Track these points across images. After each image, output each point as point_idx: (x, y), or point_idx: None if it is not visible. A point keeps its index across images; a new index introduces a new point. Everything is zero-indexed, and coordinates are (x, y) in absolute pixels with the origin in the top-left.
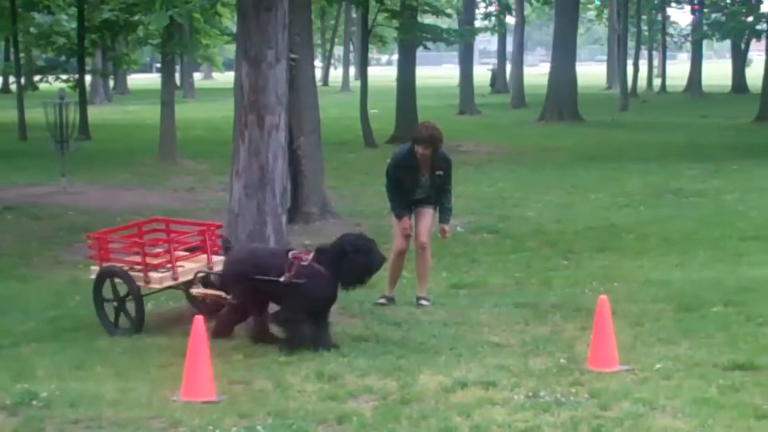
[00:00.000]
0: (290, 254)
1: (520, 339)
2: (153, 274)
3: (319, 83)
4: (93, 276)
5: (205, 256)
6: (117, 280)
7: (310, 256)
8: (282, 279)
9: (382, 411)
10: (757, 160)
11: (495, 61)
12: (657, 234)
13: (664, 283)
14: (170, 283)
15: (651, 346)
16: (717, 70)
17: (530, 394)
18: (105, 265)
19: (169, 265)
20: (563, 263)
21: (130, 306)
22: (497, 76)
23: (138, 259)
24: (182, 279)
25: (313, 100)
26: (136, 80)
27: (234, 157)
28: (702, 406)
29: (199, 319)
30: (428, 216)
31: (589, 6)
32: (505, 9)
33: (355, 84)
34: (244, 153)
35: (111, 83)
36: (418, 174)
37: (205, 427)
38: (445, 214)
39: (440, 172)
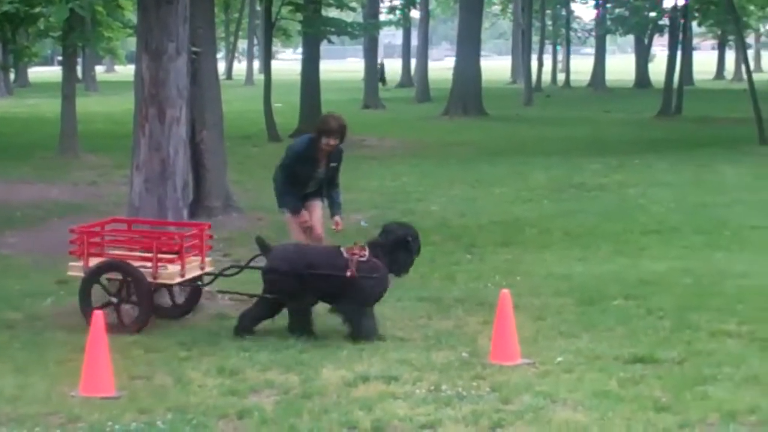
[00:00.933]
0: (344, 251)
1: (423, 333)
2: (164, 270)
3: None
4: (75, 272)
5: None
6: (115, 275)
7: (367, 252)
8: (347, 275)
9: (284, 405)
10: (658, 154)
11: (386, 56)
12: (560, 228)
13: (566, 277)
14: (179, 279)
15: (553, 339)
16: (621, 65)
17: (432, 388)
18: (105, 259)
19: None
20: (467, 257)
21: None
22: (384, 70)
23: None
24: (188, 276)
25: (215, 93)
26: (37, 73)
27: (134, 150)
28: (602, 399)
29: (98, 314)
30: (319, 208)
31: (494, 0)
32: (409, 3)
33: (259, 77)
34: (145, 146)
35: (11, 76)
36: (316, 166)
37: (105, 423)
38: (336, 208)
39: (334, 164)
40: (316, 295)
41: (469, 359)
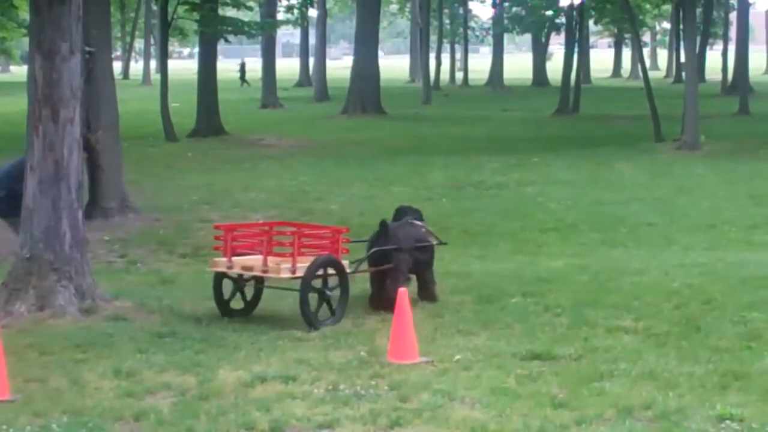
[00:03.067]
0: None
1: (321, 332)
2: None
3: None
4: (219, 267)
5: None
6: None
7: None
8: (435, 243)
9: (181, 407)
10: (556, 152)
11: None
12: (458, 226)
13: (464, 275)
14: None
15: (451, 337)
16: (518, 64)
17: (330, 387)
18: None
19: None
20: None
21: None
22: (244, 70)
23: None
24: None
25: (111, 93)
26: None
27: (28, 151)
28: (500, 396)
29: None
30: None
31: None
32: (307, 2)
33: (156, 77)
34: (39, 147)
35: None
36: None
37: None
38: None
39: None
40: (417, 266)
41: (367, 358)
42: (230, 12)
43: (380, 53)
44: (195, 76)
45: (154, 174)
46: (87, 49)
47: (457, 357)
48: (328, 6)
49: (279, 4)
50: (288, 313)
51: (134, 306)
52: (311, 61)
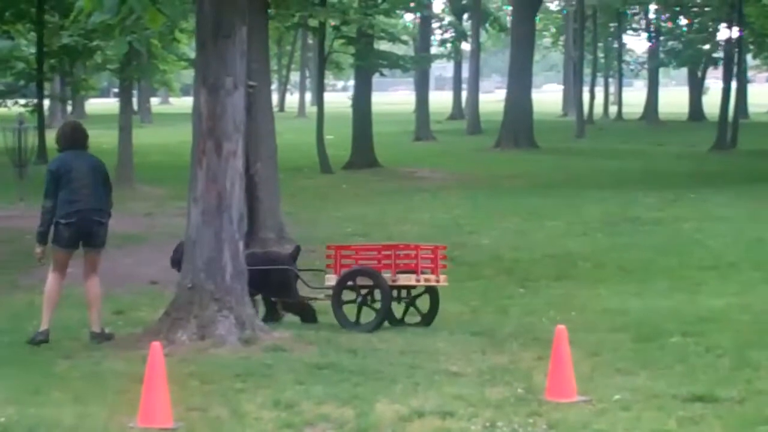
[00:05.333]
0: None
1: (477, 368)
2: (400, 275)
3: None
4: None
5: None
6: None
7: None
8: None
9: None
10: (714, 188)
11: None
12: (614, 262)
13: (621, 313)
14: (413, 282)
15: (609, 376)
16: (674, 98)
17: (488, 424)
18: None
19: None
20: (520, 291)
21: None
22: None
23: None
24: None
25: (269, 126)
26: (94, 105)
27: (192, 183)
28: None
29: (156, 345)
30: None
31: (545, 33)
32: (460, 36)
33: (311, 110)
34: (202, 179)
35: (69, 108)
36: None
37: None
38: None
39: None
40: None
41: (524, 395)
42: (385, 46)
43: (533, 87)
44: (348, 109)
45: (309, 205)
46: (249, 83)
47: (616, 397)
48: (481, 40)
49: (433, 38)
50: (443, 346)
51: (292, 337)
52: (464, 94)
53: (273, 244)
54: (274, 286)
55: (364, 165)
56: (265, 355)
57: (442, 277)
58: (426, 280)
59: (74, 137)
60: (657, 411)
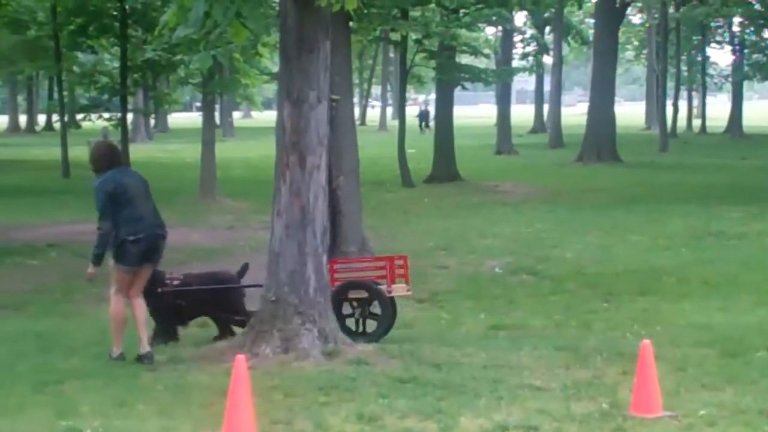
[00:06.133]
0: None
1: (562, 383)
2: (395, 286)
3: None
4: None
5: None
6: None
7: None
8: None
9: None
10: None
11: (424, 103)
12: (698, 277)
13: (706, 327)
14: (404, 293)
15: (695, 391)
16: (758, 111)
17: None
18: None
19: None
20: (603, 306)
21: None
22: (427, 117)
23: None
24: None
25: (352, 139)
26: (176, 119)
27: (275, 196)
28: None
29: (240, 358)
30: None
31: (628, 46)
32: (542, 49)
33: (392, 123)
34: (286, 193)
35: (152, 122)
36: None
37: None
38: None
39: None
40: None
41: (609, 411)
42: (466, 59)
43: (616, 100)
44: (430, 123)
45: (391, 219)
46: (333, 97)
47: (702, 412)
48: (563, 53)
49: (514, 51)
50: (526, 361)
51: (375, 350)
52: (545, 107)
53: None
54: (227, 306)
55: (446, 179)
56: (348, 368)
57: (397, 286)
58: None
59: (113, 155)
60: (743, 427)
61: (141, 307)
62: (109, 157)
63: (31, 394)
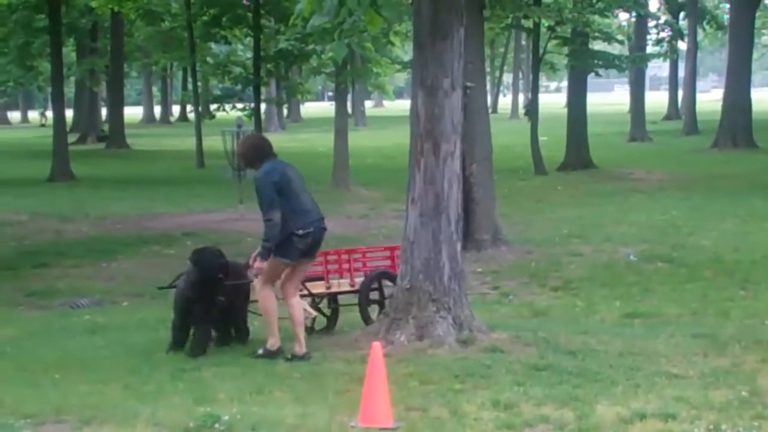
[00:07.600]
0: None
1: (699, 370)
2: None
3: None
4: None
5: None
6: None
7: None
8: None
9: None
10: None
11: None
12: None
13: None
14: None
15: None
16: None
17: (711, 427)
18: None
19: None
20: (740, 293)
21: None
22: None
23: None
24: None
25: (485, 127)
26: (308, 108)
27: (409, 184)
28: None
29: (377, 345)
30: None
31: (764, 31)
32: (677, 35)
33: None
34: (420, 181)
35: (285, 112)
36: None
37: None
38: None
39: None
40: None
41: (749, 398)
42: (599, 46)
43: (752, 85)
44: (560, 110)
45: (524, 207)
46: (467, 84)
47: None
48: (698, 38)
49: (648, 37)
50: (663, 348)
51: (510, 338)
52: (680, 94)
53: (488, 245)
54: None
55: (579, 166)
56: (483, 355)
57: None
58: (338, 285)
59: (266, 147)
60: None
61: (298, 306)
62: (263, 148)
63: (169, 380)
